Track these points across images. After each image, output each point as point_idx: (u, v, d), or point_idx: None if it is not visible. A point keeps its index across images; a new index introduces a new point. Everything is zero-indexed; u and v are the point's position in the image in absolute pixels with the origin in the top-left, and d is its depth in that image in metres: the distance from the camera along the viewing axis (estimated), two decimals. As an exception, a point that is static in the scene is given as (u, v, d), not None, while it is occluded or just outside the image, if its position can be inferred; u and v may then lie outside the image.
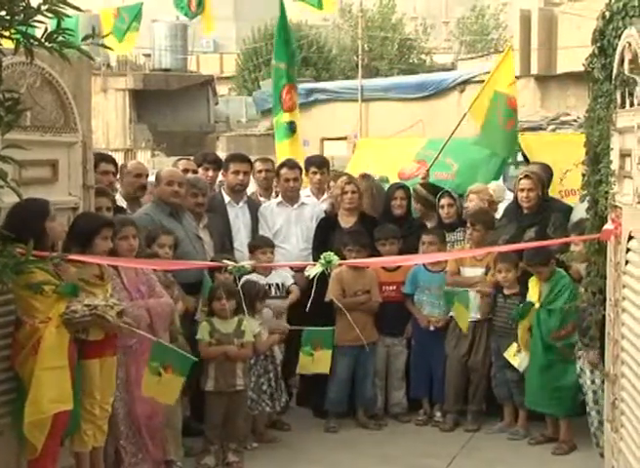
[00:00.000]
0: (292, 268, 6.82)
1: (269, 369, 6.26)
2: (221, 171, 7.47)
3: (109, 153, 9.26)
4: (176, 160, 8.17)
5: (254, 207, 7.17)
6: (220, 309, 5.92)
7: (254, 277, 6.39)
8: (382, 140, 11.07)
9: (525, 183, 6.77)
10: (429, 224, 7.12)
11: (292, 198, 7.21)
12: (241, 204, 7.11)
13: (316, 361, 6.11)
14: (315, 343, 6.06)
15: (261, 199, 7.48)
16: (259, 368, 6.21)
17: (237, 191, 7.11)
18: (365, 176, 7.58)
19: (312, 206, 7.31)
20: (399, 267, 6.79)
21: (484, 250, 6.50)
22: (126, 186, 6.79)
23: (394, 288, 6.83)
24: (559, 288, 6.10)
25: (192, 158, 8.02)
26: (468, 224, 6.76)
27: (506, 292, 6.45)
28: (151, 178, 6.99)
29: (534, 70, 20.78)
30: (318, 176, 7.62)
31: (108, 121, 27.12)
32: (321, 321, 6.30)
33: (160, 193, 6.39)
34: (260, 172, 7.56)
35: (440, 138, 8.64)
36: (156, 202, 6.42)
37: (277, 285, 6.57)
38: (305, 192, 7.59)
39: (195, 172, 7.36)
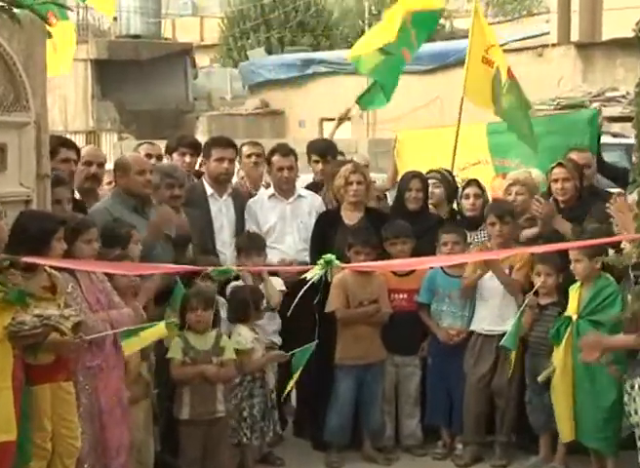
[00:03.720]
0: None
1: (255, 393, 6.23)
2: (201, 157, 7.45)
3: (68, 136, 9.25)
4: (136, 145, 8.14)
5: (239, 200, 7.15)
6: (196, 321, 5.90)
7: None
8: (428, 131, 10.99)
9: (558, 173, 6.78)
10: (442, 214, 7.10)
11: (286, 190, 7.19)
12: (225, 196, 7.08)
13: None
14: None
15: (250, 190, 7.48)
16: (242, 390, 6.18)
17: (221, 182, 7.07)
18: None
19: (311, 199, 7.28)
20: (412, 271, 6.78)
21: (514, 250, 6.48)
22: (77, 175, 6.73)
23: (406, 296, 6.83)
24: (604, 296, 6.05)
25: (166, 142, 8.00)
26: (492, 219, 6.60)
27: (542, 301, 6.43)
28: (109, 167, 6.93)
29: (574, 37, 20.79)
30: (320, 166, 7.60)
31: (67, 97, 27.09)
32: (320, 335, 6.32)
33: (128, 184, 6.34)
34: (248, 156, 7.56)
35: (498, 123, 8.40)
36: (118, 194, 6.38)
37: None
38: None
39: (160, 158, 7.33)
